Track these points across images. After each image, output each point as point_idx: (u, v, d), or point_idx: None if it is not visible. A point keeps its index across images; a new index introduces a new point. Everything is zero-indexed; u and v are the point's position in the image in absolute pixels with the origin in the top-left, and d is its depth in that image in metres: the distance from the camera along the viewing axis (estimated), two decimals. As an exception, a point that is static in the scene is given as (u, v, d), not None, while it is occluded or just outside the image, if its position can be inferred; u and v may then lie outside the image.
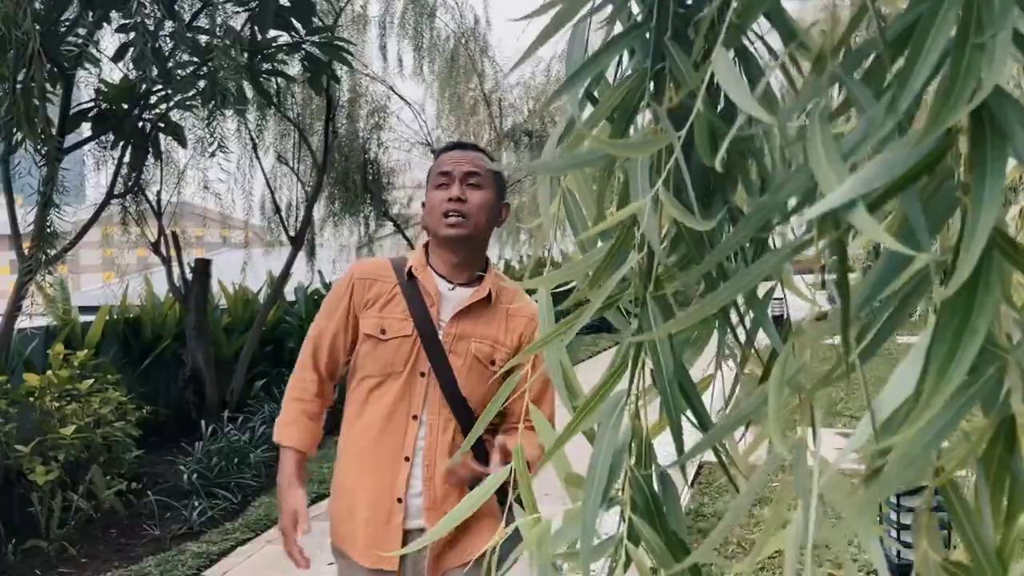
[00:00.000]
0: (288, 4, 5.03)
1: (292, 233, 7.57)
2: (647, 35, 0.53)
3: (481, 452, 1.71)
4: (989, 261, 0.37)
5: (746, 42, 0.53)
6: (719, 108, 0.54)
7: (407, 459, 1.73)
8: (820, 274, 0.45)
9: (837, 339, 0.42)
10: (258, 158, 7.81)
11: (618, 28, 0.57)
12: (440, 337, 1.74)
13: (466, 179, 1.76)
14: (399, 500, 1.72)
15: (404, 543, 1.71)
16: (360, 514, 1.75)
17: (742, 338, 0.58)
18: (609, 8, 0.56)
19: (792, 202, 0.44)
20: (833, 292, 0.42)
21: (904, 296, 0.42)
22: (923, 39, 0.38)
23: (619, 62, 0.56)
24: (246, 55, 5.07)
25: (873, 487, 0.39)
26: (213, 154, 5.43)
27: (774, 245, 0.54)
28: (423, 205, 1.87)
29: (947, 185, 0.41)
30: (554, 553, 0.57)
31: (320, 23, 5.77)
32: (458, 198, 1.73)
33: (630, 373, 0.53)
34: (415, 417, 1.73)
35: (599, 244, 0.57)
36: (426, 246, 1.83)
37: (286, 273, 7.03)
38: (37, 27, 3.78)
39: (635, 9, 0.56)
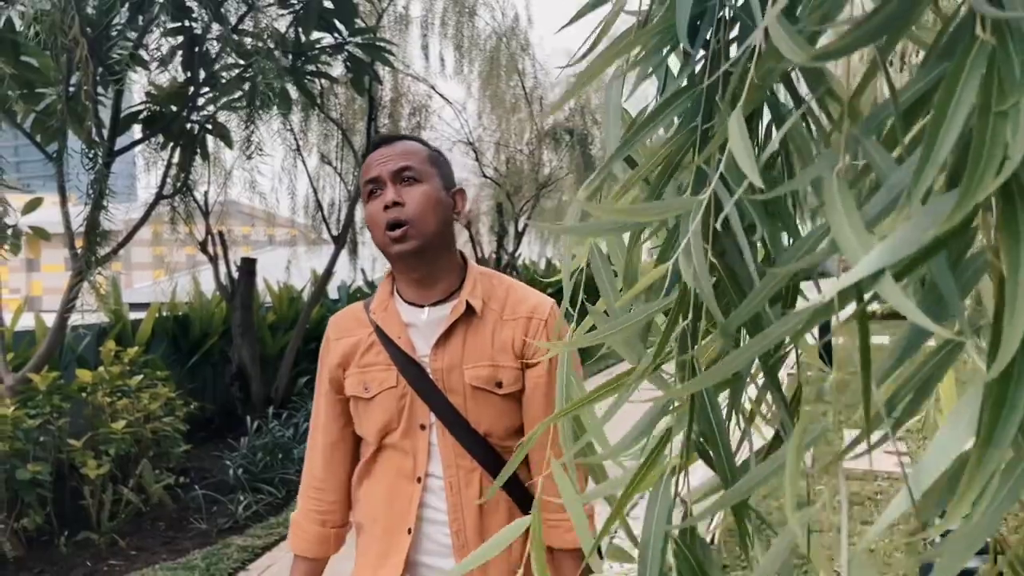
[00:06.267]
0: (331, 6, 5.09)
1: (335, 232, 7.66)
2: (697, 94, 0.53)
3: (519, 492, 1.45)
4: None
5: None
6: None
7: (409, 531, 1.45)
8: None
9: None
10: (302, 158, 7.93)
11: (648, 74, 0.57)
12: (430, 375, 1.44)
13: (398, 177, 1.43)
14: None
15: None
16: None
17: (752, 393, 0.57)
18: (647, 55, 0.56)
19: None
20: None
21: (936, 363, 0.41)
22: (945, 107, 0.37)
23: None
24: (290, 57, 5.14)
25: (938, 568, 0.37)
26: (251, 156, 5.52)
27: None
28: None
29: (975, 249, 0.40)
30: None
31: (363, 24, 5.82)
32: (394, 202, 1.40)
33: (686, 440, 0.52)
34: (419, 479, 1.46)
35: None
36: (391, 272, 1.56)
37: (329, 271, 7.12)
38: (88, 31, 3.88)
39: (672, 65, 0.56)
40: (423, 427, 1.45)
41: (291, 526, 1.61)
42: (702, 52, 0.53)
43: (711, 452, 0.53)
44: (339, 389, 1.53)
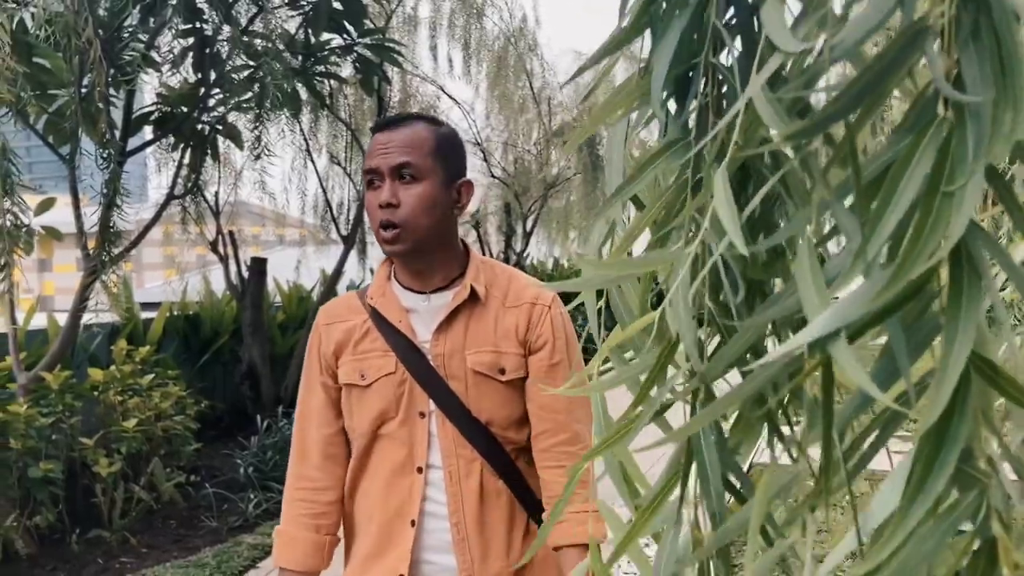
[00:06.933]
0: (340, 7, 5.12)
1: (344, 232, 7.69)
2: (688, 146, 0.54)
3: (520, 485, 1.43)
4: (965, 392, 0.39)
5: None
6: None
7: (413, 523, 1.41)
8: None
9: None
10: (311, 159, 7.96)
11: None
12: (430, 361, 1.40)
13: (396, 173, 1.37)
14: None
15: None
16: None
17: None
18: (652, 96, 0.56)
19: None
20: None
21: (888, 418, 0.43)
22: (896, 182, 0.39)
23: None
24: (300, 58, 5.17)
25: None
26: (259, 156, 5.55)
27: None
28: None
29: (931, 310, 0.42)
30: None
31: (372, 25, 5.85)
32: (388, 203, 1.37)
33: (683, 478, 0.53)
34: (420, 470, 1.42)
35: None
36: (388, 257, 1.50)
37: (338, 271, 7.15)
38: (100, 32, 3.91)
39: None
40: (422, 415, 1.41)
41: (277, 539, 1.50)
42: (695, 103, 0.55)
43: (704, 493, 0.52)
44: (333, 378, 1.48)
